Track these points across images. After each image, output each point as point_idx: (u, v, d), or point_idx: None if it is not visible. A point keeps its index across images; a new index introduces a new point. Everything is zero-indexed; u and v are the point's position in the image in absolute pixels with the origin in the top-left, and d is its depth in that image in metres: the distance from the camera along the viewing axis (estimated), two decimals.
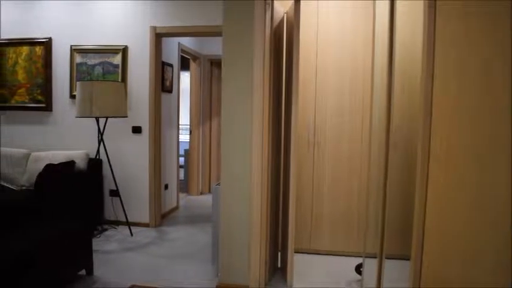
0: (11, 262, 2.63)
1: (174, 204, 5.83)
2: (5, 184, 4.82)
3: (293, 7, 3.13)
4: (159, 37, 4.85)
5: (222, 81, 3.16)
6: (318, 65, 3.94)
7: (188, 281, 3.41)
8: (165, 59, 5.21)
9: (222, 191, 3.21)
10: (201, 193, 6.91)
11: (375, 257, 2.94)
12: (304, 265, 3.77)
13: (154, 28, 4.76)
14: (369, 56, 3.79)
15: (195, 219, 5.40)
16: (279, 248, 3.77)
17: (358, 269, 3.42)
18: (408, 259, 2.55)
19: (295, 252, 3.41)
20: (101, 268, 3.63)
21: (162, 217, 5.21)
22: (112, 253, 4.03)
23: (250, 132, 3.10)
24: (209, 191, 7.01)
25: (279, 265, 3.73)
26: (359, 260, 3.53)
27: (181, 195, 6.45)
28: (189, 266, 3.75)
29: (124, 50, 4.82)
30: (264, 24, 3.03)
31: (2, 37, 5.20)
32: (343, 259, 3.93)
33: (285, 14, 3.57)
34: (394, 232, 2.90)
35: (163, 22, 4.76)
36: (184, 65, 6.45)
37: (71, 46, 4.98)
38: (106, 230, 4.77)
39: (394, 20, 2.65)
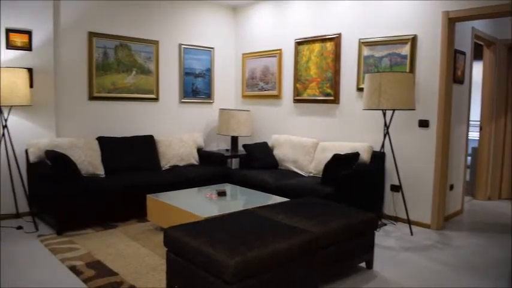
0: (312, 243, 2.80)
1: (458, 208, 5.28)
2: (296, 170, 5.31)
3: None
4: (451, 22, 4.41)
5: None
6: None
7: None
8: (456, 46, 4.72)
9: None
10: (489, 198, 6.07)
11: None
12: None
13: (447, 13, 4.35)
14: None
15: (482, 227, 4.74)
16: None
17: None
18: None
19: None
20: (380, 263, 3.55)
21: (445, 220, 4.77)
22: (391, 250, 3.91)
23: None
24: (499, 197, 6.10)
25: None
26: None
27: (466, 198, 5.80)
28: (479, 281, 3.27)
29: (413, 40, 4.58)
30: None
31: (298, 37, 5.72)
32: None
33: None
34: None
35: (456, 5, 4.29)
36: (476, 53, 5.73)
37: (359, 40, 5.06)
38: (385, 224, 4.69)
39: None
